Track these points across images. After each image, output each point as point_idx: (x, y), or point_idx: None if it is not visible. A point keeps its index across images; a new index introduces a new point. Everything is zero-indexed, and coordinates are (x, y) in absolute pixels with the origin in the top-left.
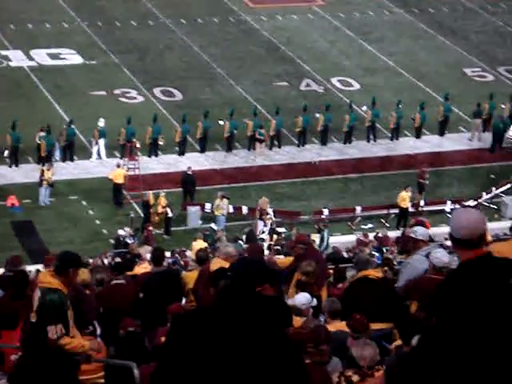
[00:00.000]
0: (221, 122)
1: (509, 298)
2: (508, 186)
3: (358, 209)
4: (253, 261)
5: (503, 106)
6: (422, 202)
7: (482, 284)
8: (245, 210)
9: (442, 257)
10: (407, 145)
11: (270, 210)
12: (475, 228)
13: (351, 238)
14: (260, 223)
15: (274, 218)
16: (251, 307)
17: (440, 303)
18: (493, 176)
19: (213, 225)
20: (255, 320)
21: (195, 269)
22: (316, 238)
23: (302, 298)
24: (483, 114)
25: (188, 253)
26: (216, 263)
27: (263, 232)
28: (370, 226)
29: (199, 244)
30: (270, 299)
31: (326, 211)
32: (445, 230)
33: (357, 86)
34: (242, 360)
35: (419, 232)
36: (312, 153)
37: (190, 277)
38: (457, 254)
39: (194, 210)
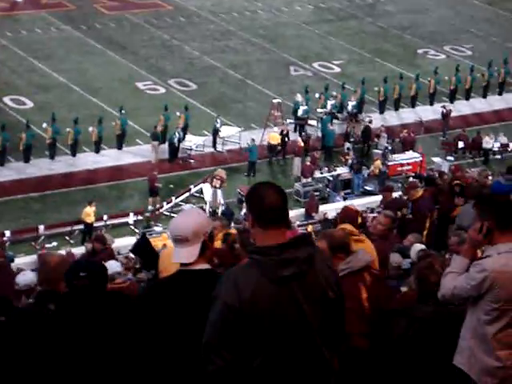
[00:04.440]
0: None
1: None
2: (186, 194)
3: (41, 228)
4: (96, 263)
5: (178, 114)
6: (158, 206)
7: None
8: None
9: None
10: (87, 160)
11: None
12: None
13: (35, 259)
14: (219, 192)
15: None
16: (105, 305)
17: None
18: (171, 186)
19: None
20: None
21: None
22: None
23: None
24: (158, 126)
25: None
26: None
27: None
28: (54, 244)
29: None
30: (118, 295)
31: (7, 233)
32: (129, 241)
33: (30, 104)
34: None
35: None
36: None
37: None
38: None
39: None
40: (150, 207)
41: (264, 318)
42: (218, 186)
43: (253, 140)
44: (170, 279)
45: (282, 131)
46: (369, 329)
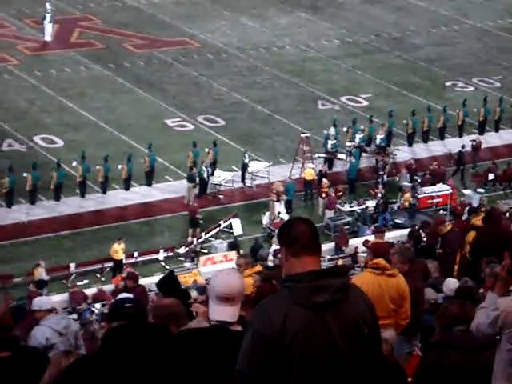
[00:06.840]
0: None
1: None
2: (216, 230)
3: (73, 265)
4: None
5: (206, 150)
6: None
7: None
8: None
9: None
10: (117, 197)
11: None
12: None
13: (66, 297)
14: (277, 205)
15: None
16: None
17: None
18: (201, 221)
19: None
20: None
21: None
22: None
23: None
24: (195, 173)
25: None
26: None
27: (279, 212)
28: (85, 281)
29: None
30: (159, 328)
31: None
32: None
33: (60, 142)
34: None
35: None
36: (21, 213)
37: None
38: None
39: None
40: (189, 238)
41: (295, 345)
42: (274, 199)
43: (290, 178)
44: (205, 332)
45: (321, 171)
46: None
